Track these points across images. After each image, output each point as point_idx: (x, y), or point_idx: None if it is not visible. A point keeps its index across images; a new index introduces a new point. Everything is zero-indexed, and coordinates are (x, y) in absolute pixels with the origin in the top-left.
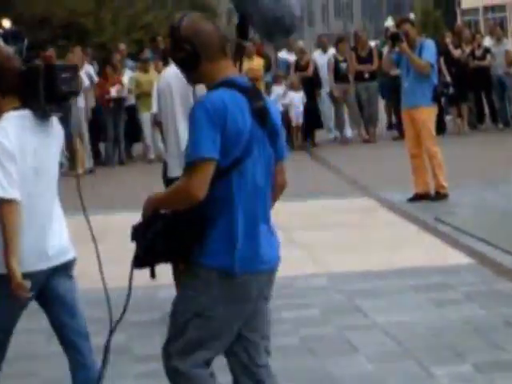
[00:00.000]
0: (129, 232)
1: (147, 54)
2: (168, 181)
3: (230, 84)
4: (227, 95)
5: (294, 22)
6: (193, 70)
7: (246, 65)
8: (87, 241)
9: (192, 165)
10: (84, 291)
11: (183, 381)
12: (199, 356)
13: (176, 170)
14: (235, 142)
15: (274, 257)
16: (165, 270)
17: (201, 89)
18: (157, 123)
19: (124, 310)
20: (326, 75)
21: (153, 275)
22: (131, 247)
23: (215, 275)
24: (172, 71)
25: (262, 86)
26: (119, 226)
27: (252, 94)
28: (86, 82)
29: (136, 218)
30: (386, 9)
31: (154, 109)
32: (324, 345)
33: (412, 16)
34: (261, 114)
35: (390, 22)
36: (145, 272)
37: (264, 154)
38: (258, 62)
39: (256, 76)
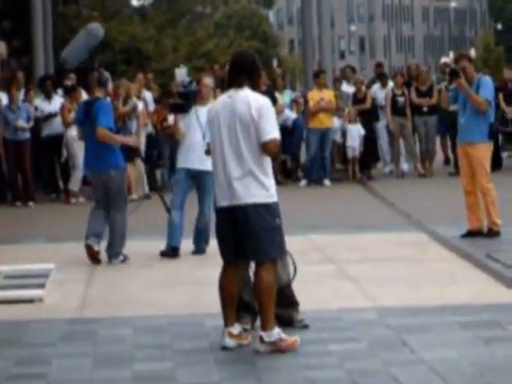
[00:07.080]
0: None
1: None
2: (216, 210)
3: None
4: None
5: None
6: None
7: (317, 95)
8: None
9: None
10: (136, 318)
11: None
12: None
13: (223, 200)
14: None
15: None
16: (213, 299)
17: None
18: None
19: None
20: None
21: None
22: (178, 274)
23: None
24: (220, 101)
25: (331, 117)
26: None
27: None
28: (139, 107)
29: (185, 244)
30: (448, 44)
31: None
32: (369, 379)
33: (473, 52)
34: None
35: (445, 58)
36: (192, 301)
37: None
38: (329, 94)
39: (329, 107)
